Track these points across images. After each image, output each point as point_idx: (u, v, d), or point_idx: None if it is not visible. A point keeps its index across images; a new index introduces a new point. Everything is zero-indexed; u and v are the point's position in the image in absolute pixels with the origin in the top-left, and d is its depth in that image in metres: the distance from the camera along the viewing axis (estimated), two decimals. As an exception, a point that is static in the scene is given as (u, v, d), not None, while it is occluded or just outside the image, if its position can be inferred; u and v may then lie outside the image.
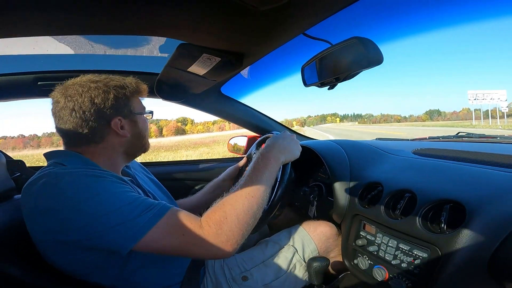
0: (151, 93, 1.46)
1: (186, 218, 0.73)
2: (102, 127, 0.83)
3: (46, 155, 0.85)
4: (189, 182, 1.84)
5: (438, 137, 1.63)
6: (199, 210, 1.31)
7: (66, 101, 0.81)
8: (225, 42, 0.85)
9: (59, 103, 0.81)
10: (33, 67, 1.32)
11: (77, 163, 0.80)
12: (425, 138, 1.72)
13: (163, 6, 0.66)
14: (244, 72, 1.45)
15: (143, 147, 0.96)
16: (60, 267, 0.76)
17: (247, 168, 0.88)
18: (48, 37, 1.14)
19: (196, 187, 1.83)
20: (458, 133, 1.63)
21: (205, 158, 2.19)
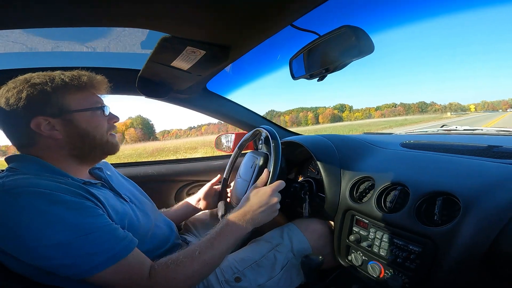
0: (129, 90, 1.42)
1: (137, 266, 0.74)
2: (24, 129, 0.77)
3: (7, 159, 0.81)
4: (174, 182, 1.80)
5: (425, 131, 1.64)
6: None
7: None
8: (210, 34, 0.81)
9: None
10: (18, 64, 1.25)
11: (30, 167, 0.77)
12: (412, 132, 1.73)
13: None
14: (229, 67, 1.42)
15: (97, 148, 0.87)
16: (22, 273, 0.73)
17: (211, 231, 0.90)
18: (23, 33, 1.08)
19: (180, 187, 1.81)
20: (443, 125, 1.65)
21: (190, 157, 2.15)
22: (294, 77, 0.93)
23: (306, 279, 1.00)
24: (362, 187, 1.02)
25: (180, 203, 1.35)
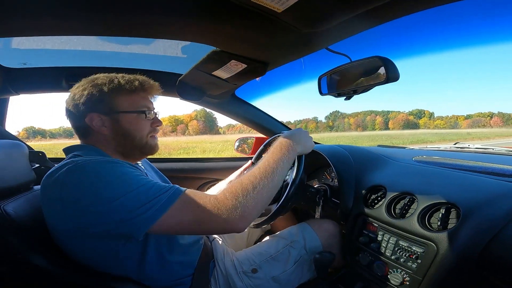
0: (168, 92, 1.56)
1: (200, 196, 0.78)
2: (81, 122, 0.90)
3: (65, 150, 0.93)
4: (196, 179, 1.93)
5: (438, 147, 1.74)
6: None
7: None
8: (254, 51, 0.94)
9: None
10: (63, 62, 1.41)
11: (93, 154, 0.89)
12: (425, 147, 1.83)
13: (205, 16, 0.74)
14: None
15: (137, 148, 0.96)
16: (77, 258, 0.81)
17: (264, 154, 0.95)
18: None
19: (202, 184, 1.93)
20: (456, 143, 1.74)
21: (213, 157, 2.27)
22: (321, 93, 1.05)
23: (318, 274, 1.10)
24: (374, 195, 1.12)
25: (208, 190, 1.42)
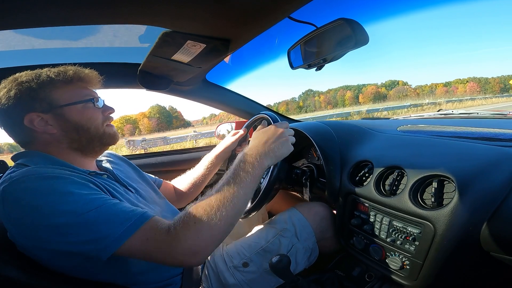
0: (131, 84, 1.44)
1: (155, 226, 0.71)
2: (19, 127, 0.79)
3: (13, 157, 0.82)
4: (176, 172, 1.84)
5: (421, 115, 1.67)
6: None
7: None
8: (210, 28, 0.83)
9: None
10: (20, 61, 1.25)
11: (40, 162, 0.78)
12: (409, 116, 1.76)
13: None
14: (229, 58, 1.43)
15: (95, 139, 0.87)
16: (50, 267, 0.74)
17: (227, 170, 0.84)
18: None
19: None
20: (439, 110, 1.69)
21: (193, 147, 2.18)
22: (292, 67, 0.96)
23: (283, 279, 0.92)
24: (361, 171, 1.04)
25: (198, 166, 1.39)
